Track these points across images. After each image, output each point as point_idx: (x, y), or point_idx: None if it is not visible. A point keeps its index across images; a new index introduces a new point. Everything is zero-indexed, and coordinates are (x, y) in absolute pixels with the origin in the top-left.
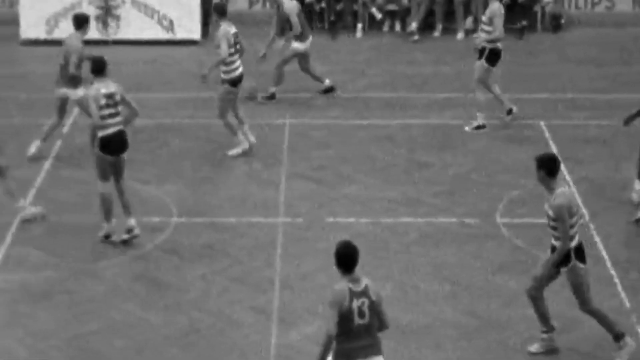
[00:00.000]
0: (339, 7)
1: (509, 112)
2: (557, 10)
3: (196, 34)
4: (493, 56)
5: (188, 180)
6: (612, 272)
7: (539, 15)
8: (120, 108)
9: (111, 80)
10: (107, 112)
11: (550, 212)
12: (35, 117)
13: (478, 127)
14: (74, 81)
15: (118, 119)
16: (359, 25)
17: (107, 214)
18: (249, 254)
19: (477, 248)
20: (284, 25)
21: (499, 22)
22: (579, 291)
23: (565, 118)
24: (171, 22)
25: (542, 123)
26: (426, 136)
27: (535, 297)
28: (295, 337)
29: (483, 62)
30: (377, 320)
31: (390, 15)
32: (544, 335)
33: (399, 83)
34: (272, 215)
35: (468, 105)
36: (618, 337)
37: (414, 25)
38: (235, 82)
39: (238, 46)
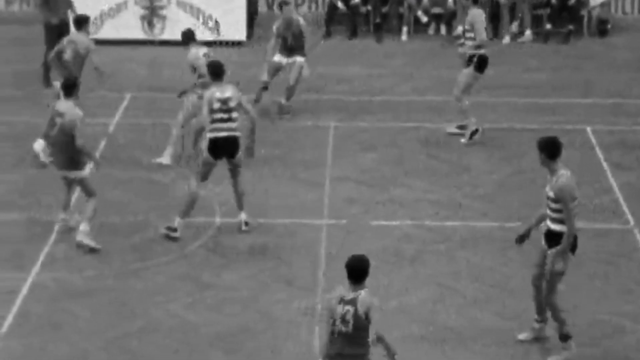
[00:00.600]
0: (384, 9)
1: (474, 132)
2: (604, 14)
3: (241, 35)
4: (481, 63)
5: None
6: None
7: (586, 19)
8: (234, 114)
9: (231, 86)
10: (218, 116)
11: (551, 194)
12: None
13: (473, 134)
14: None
15: (230, 124)
16: (405, 29)
17: (187, 212)
18: (293, 255)
19: (518, 252)
20: (297, 43)
21: (481, 27)
22: (554, 280)
23: (611, 123)
24: (217, 22)
25: (587, 128)
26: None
27: (539, 287)
28: None
29: (471, 69)
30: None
31: (436, 18)
32: (536, 325)
33: (444, 86)
34: (317, 217)
35: (510, 110)
36: (565, 337)
37: (459, 29)
38: None
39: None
